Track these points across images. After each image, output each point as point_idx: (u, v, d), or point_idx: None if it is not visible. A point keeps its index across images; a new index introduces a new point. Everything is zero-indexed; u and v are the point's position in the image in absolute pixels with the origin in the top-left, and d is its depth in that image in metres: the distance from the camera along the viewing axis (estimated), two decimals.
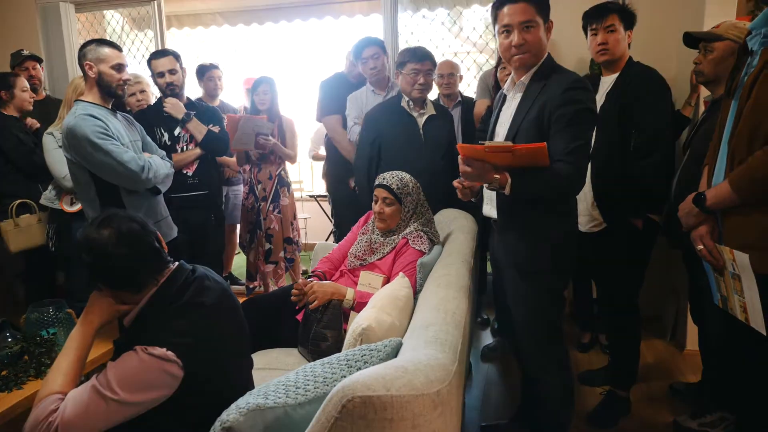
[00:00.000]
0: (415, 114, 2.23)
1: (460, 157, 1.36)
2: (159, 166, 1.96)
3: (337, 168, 2.80)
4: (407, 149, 2.20)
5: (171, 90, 2.37)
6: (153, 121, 2.36)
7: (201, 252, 2.41)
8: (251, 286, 2.95)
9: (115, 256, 1.10)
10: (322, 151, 3.26)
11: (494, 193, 1.51)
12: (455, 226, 1.98)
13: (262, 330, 1.76)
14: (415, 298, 1.54)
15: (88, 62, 1.88)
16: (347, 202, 2.73)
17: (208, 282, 1.20)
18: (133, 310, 1.16)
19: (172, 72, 2.37)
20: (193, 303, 1.13)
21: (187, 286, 1.16)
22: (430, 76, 2.20)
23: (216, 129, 2.46)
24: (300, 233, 3.05)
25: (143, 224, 1.16)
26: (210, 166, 2.47)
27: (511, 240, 1.49)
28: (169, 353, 1.05)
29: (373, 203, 1.86)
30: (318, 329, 1.65)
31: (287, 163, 2.95)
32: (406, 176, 1.87)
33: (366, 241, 1.88)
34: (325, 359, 1.08)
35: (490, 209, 1.58)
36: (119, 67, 1.90)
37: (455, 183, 1.53)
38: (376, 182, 1.86)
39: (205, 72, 3.26)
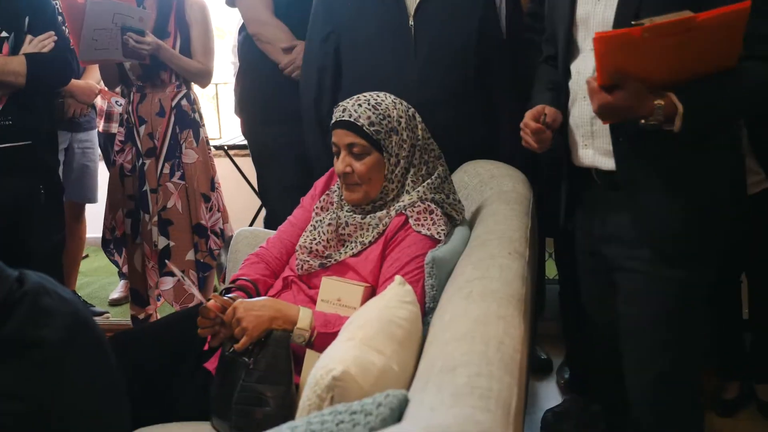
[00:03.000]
0: None
1: (596, 77, 1.44)
2: None
3: (262, 94, 2.83)
4: (388, 57, 2.24)
5: None
6: None
7: (20, 250, 2.43)
8: (141, 317, 3.02)
9: None
10: None
11: (602, 127, 1.60)
12: (492, 192, 2.00)
13: (148, 388, 1.78)
14: (426, 321, 1.54)
15: None
16: (283, 156, 2.78)
17: (49, 300, 1.22)
18: None
19: None
20: (24, 340, 1.16)
21: (11, 308, 1.17)
22: None
23: (48, 40, 2.43)
24: (227, 213, 3.11)
25: None
26: (34, 98, 2.49)
27: (652, 206, 1.57)
28: None
29: (334, 159, 1.90)
30: (248, 385, 1.66)
31: (196, 87, 2.99)
32: (386, 99, 1.89)
33: (329, 224, 1.90)
34: None
35: (594, 155, 1.64)
36: None
37: (535, 124, 1.68)
38: (333, 118, 1.89)
39: None
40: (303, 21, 2.61)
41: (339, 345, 1.37)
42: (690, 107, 1.42)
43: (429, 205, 1.85)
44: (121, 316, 3.70)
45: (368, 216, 1.89)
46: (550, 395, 2.76)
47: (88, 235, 3.95)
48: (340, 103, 1.90)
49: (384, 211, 1.88)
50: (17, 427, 1.10)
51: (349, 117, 1.84)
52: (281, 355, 1.68)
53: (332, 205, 1.97)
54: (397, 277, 1.59)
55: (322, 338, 1.67)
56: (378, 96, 1.88)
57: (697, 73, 1.42)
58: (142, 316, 3.03)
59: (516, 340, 1.24)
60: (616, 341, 1.78)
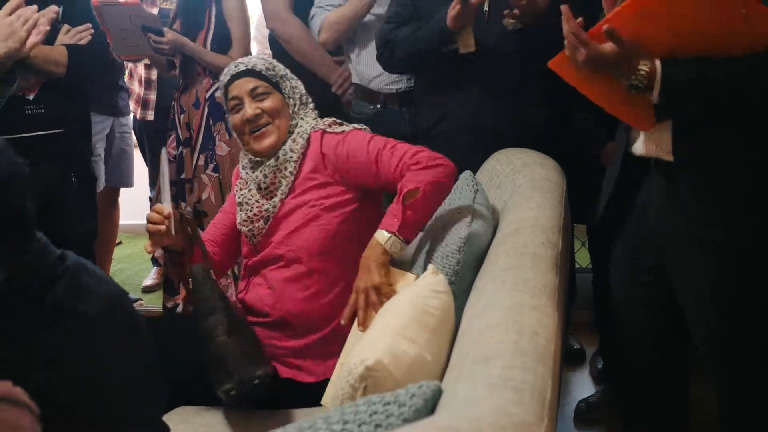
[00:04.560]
0: None
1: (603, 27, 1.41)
2: None
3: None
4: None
5: None
6: None
7: (51, 238, 2.41)
8: (169, 305, 3.04)
9: None
10: None
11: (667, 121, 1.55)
12: (524, 180, 1.99)
13: (184, 373, 1.82)
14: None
15: None
16: None
17: (88, 278, 1.27)
18: None
19: None
20: (63, 311, 1.21)
21: (52, 281, 1.22)
22: None
23: (86, 32, 2.45)
24: None
25: (14, 159, 1.22)
26: (67, 86, 2.48)
27: (720, 201, 1.53)
28: (17, 389, 1.07)
29: (231, 114, 2.02)
30: (201, 329, 1.79)
31: None
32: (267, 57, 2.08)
33: (250, 189, 2.03)
34: (304, 425, 1.07)
35: (657, 146, 1.61)
36: None
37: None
38: (225, 76, 2.03)
39: None
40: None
41: (372, 335, 1.38)
42: (669, 76, 1.40)
43: (333, 119, 2.03)
44: (155, 302, 3.75)
45: (279, 156, 1.97)
46: (583, 385, 2.75)
47: (122, 222, 3.99)
48: (229, 68, 2.03)
49: (291, 141, 1.98)
50: (56, 393, 1.13)
51: (245, 66, 2.00)
52: (203, 286, 1.81)
53: (247, 172, 2.06)
54: (430, 266, 1.59)
55: (410, 227, 1.77)
56: (258, 55, 2.01)
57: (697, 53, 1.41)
58: (170, 304, 3.05)
59: (549, 330, 1.25)
60: (658, 334, 1.77)
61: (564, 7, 1.50)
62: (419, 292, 1.49)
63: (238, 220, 2.04)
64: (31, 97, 2.40)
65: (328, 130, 1.99)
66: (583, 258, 3.26)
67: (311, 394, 1.79)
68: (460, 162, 1.93)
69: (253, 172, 2.02)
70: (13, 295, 1.20)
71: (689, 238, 1.61)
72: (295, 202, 1.96)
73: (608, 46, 1.43)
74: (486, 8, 2.23)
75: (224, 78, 2.03)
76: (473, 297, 1.48)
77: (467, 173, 1.99)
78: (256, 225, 2.00)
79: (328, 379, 1.78)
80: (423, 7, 2.33)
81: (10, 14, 1.96)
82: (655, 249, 1.73)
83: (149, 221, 1.81)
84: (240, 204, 2.04)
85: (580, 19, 1.49)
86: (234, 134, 2.08)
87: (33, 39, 1.99)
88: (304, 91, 2.08)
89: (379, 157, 1.87)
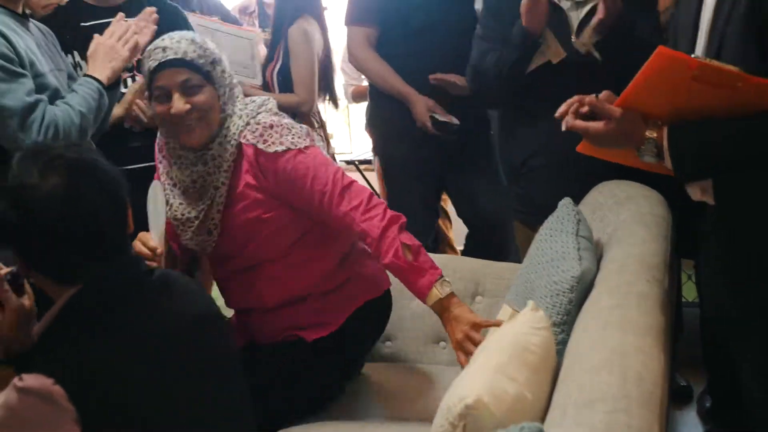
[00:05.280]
0: None
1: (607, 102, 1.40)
2: (68, 115, 1.98)
3: (390, 113, 2.94)
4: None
5: None
6: (64, 36, 2.40)
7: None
8: None
9: (62, 218, 1.24)
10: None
11: None
12: (628, 214, 1.95)
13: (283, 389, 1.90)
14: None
15: None
16: (410, 172, 2.90)
17: (176, 293, 1.40)
18: (52, 310, 1.31)
19: None
20: (149, 320, 1.31)
21: (141, 290, 1.34)
22: None
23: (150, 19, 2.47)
24: None
25: (116, 176, 1.34)
26: None
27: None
28: (54, 388, 1.18)
29: (154, 102, 1.86)
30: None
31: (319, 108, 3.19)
32: (196, 35, 1.92)
33: (180, 187, 1.93)
34: None
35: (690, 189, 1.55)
36: None
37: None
38: (150, 61, 1.83)
39: None
40: (402, 59, 2.79)
41: (471, 372, 1.37)
42: (677, 142, 1.34)
43: (264, 122, 1.87)
44: None
45: (208, 161, 1.87)
46: (690, 425, 2.65)
47: None
48: (153, 46, 1.85)
49: (218, 145, 1.87)
50: (134, 403, 1.24)
51: (175, 54, 1.80)
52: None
53: (166, 173, 1.96)
54: (530, 302, 1.57)
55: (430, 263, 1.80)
56: (186, 33, 1.89)
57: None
58: None
59: (655, 373, 1.22)
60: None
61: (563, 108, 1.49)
62: (519, 329, 1.48)
63: (182, 237, 1.95)
64: (137, 129, 2.50)
65: (260, 146, 1.86)
66: (689, 292, 3.15)
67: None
68: (558, 197, 1.91)
69: (181, 173, 1.91)
70: (101, 301, 1.29)
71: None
72: (240, 216, 1.90)
73: (600, 124, 1.40)
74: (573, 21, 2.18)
75: (151, 63, 1.83)
76: (575, 336, 1.46)
77: (566, 200, 1.94)
78: (202, 238, 1.93)
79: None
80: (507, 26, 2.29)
81: (111, 37, 2.09)
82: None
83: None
84: (168, 205, 1.94)
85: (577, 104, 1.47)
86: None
87: (136, 53, 2.13)
88: (232, 77, 1.94)
89: (325, 201, 1.84)
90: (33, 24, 2.15)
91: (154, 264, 1.77)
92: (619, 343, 1.29)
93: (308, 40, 3.14)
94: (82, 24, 2.40)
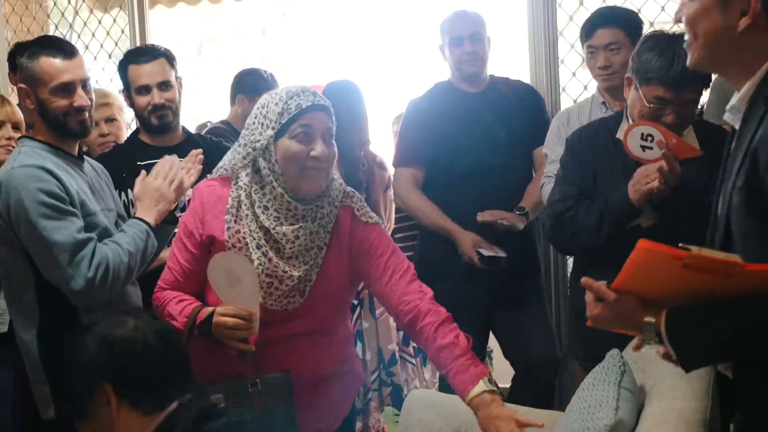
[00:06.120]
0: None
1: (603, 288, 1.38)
2: (117, 254, 2.02)
3: (437, 251, 3.02)
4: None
5: (160, 118, 2.53)
6: (120, 175, 2.48)
7: None
8: None
9: (149, 349, 1.46)
10: None
11: None
12: (670, 366, 1.86)
13: None
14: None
15: (21, 86, 2.09)
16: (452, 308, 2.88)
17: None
18: None
19: (163, 86, 2.52)
20: None
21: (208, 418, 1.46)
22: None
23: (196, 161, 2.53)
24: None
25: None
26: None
27: None
28: None
29: (290, 140, 1.82)
30: None
31: None
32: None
33: (274, 245, 1.88)
34: None
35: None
36: (68, 88, 2.06)
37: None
38: (299, 102, 1.82)
39: (250, 85, 3.54)
40: (448, 199, 2.90)
41: None
42: (674, 328, 1.29)
43: (357, 194, 2.00)
44: None
45: (317, 218, 1.88)
46: None
47: None
48: (297, 92, 1.84)
49: (328, 204, 1.91)
50: None
51: (326, 103, 1.86)
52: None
53: (251, 230, 1.87)
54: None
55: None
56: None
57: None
58: None
59: None
60: None
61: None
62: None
63: (269, 296, 1.87)
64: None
65: (358, 214, 1.95)
66: None
67: None
68: (616, 344, 1.91)
69: (287, 228, 1.84)
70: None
71: None
72: (332, 280, 1.92)
73: (597, 307, 1.39)
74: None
75: (301, 102, 1.82)
76: None
77: (614, 352, 1.94)
78: (291, 299, 1.90)
79: None
80: (595, 184, 2.33)
81: (156, 178, 2.16)
82: None
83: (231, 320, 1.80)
84: (251, 260, 1.85)
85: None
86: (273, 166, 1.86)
87: (181, 194, 2.21)
88: None
89: (399, 276, 1.90)
90: (88, 163, 2.25)
91: (248, 332, 1.82)
92: None
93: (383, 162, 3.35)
94: (139, 163, 2.46)
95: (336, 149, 1.90)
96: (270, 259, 1.85)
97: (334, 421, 2.04)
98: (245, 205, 1.87)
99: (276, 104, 1.83)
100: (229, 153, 1.96)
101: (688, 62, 1.48)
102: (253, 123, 1.88)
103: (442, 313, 1.84)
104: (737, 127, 1.44)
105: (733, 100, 1.43)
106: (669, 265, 1.26)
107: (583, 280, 1.43)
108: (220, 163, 1.97)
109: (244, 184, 1.87)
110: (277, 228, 1.84)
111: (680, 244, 1.29)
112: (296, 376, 1.88)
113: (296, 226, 1.85)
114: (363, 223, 1.94)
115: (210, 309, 1.84)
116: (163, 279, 1.99)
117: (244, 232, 1.87)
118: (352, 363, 2.08)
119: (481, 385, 1.72)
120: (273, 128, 1.82)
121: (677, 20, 1.49)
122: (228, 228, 1.88)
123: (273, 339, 1.89)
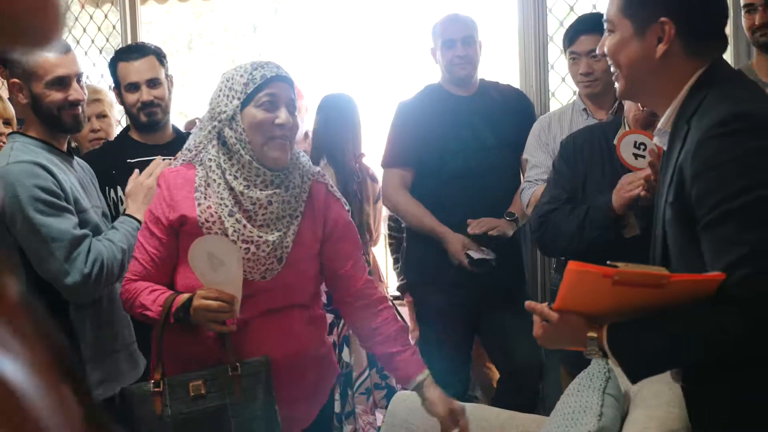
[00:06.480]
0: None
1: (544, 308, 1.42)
2: (111, 251, 2.05)
3: (425, 254, 3.00)
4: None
5: (149, 115, 2.52)
6: (110, 171, 2.48)
7: None
8: None
9: None
10: None
11: None
12: None
13: None
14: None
15: (14, 80, 2.09)
16: (439, 315, 2.93)
17: None
18: None
19: (152, 83, 2.52)
20: None
21: None
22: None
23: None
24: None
25: None
26: None
27: None
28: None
29: (257, 108, 1.84)
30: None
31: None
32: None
33: (256, 205, 1.88)
34: None
35: None
36: (64, 82, 2.07)
37: None
38: (263, 72, 1.85)
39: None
40: (437, 202, 2.88)
41: None
42: (614, 342, 1.32)
43: (324, 173, 2.07)
44: None
45: (289, 187, 1.91)
46: None
47: None
48: (261, 65, 1.88)
49: (299, 176, 1.95)
50: None
51: (288, 74, 1.90)
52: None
53: (222, 199, 1.87)
54: None
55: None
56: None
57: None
58: None
59: None
60: None
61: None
62: None
63: (247, 263, 1.86)
64: None
65: (331, 189, 2.04)
66: None
67: None
68: None
69: (259, 193, 1.87)
70: None
71: None
72: (307, 250, 1.96)
73: (542, 330, 1.42)
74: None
75: (265, 72, 1.86)
76: None
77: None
78: (269, 266, 1.90)
79: None
80: (585, 189, 2.33)
81: (149, 177, 2.18)
82: None
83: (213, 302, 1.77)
84: (225, 229, 1.86)
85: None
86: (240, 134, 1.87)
87: None
88: None
89: (359, 266, 2.03)
90: (76, 161, 2.26)
91: (229, 315, 1.79)
92: None
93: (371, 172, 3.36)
94: (128, 160, 2.47)
95: (299, 122, 1.98)
96: (244, 225, 1.87)
97: (312, 409, 2.07)
98: (216, 174, 1.88)
99: (241, 76, 1.86)
100: (191, 137, 1.97)
101: (617, 93, 1.56)
102: (218, 97, 1.90)
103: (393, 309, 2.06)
104: (665, 148, 1.50)
105: (660, 124, 1.50)
106: (600, 284, 1.30)
107: (527, 303, 1.47)
108: (184, 148, 1.99)
109: (213, 155, 1.89)
110: (249, 193, 1.87)
111: (608, 262, 1.33)
112: (275, 359, 1.88)
113: (269, 192, 1.88)
114: (336, 199, 2.03)
115: (187, 295, 1.82)
116: (131, 271, 1.93)
117: (215, 207, 1.88)
118: (328, 348, 2.12)
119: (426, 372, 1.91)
120: (239, 98, 1.85)
121: (601, 54, 1.54)
122: (199, 204, 1.89)
123: (251, 317, 1.89)
